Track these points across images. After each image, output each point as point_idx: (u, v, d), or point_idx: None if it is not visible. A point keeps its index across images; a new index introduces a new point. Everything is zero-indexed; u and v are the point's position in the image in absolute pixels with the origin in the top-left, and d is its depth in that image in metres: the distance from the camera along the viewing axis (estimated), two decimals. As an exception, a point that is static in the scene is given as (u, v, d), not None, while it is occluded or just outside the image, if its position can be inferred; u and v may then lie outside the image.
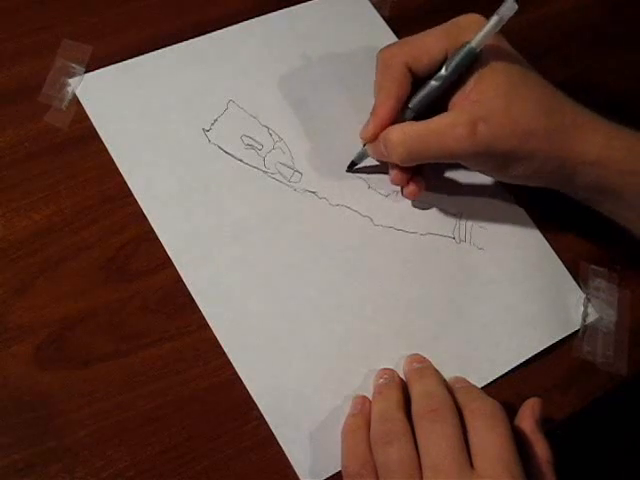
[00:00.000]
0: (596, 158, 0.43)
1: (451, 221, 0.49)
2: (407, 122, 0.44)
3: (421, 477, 0.37)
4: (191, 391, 0.41)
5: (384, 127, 0.45)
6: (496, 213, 0.50)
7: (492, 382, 0.45)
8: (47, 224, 0.43)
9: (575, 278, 0.49)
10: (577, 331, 0.47)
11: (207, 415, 0.41)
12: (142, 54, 0.49)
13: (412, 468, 0.37)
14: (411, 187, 0.47)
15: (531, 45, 0.57)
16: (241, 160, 0.47)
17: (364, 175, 0.49)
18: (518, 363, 0.45)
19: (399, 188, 0.49)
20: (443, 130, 0.43)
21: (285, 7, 0.53)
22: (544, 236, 0.50)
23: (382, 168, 0.49)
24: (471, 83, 0.43)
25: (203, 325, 0.42)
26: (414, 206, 0.48)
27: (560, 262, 0.49)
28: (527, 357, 0.46)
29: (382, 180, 0.49)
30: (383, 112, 0.44)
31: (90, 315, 0.42)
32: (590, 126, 0.44)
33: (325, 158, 0.48)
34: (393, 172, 0.47)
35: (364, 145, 0.47)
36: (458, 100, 0.44)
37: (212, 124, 0.48)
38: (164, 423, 0.40)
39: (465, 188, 0.50)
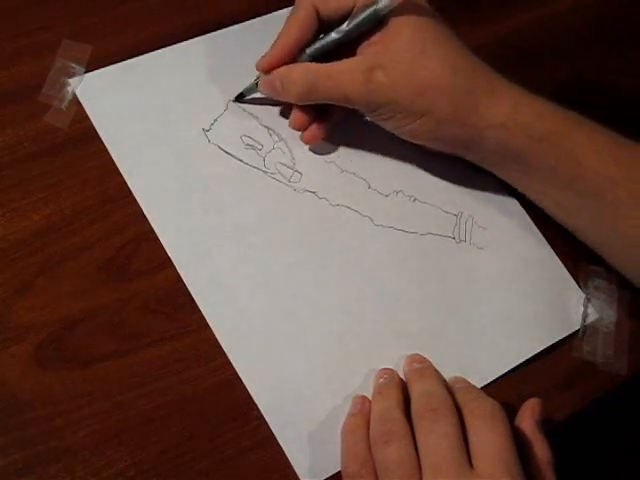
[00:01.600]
0: (502, 122, 0.43)
1: (451, 221, 0.49)
2: (308, 62, 0.45)
3: (420, 477, 0.37)
4: (191, 391, 0.41)
5: (279, 61, 0.45)
6: (496, 213, 0.50)
7: (492, 382, 0.45)
8: (47, 224, 0.43)
9: (575, 278, 0.49)
10: (577, 331, 0.47)
11: (207, 415, 0.41)
12: (142, 54, 0.49)
13: (411, 468, 0.37)
14: (310, 131, 0.47)
15: (531, 45, 0.57)
16: (241, 160, 0.47)
17: (364, 175, 0.48)
18: (518, 363, 0.45)
19: (399, 188, 0.49)
20: (342, 73, 0.44)
21: (285, 7, 0.53)
22: (544, 236, 0.50)
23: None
24: (380, 33, 0.44)
25: (203, 325, 0.42)
26: (414, 206, 0.48)
27: (560, 262, 0.49)
28: (527, 357, 0.46)
29: (382, 180, 0.49)
30: (280, 46, 0.45)
31: (90, 315, 0.42)
32: (500, 91, 0.44)
33: (325, 158, 0.48)
34: (295, 114, 0.47)
35: (256, 79, 0.47)
36: (364, 47, 0.44)
37: (212, 124, 0.48)
38: (164, 423, 0.40)
39: (465, 188, 0.50)
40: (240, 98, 0.49)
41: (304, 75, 0.44)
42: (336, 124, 0.48)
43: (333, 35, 0.45)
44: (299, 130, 0.48)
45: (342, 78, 0.44)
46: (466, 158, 0.47)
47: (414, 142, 0.47)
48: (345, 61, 0.44)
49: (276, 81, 0.45)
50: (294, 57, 0.45)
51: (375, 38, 0.44)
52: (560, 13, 0.60)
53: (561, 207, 0.46)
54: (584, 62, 0.58)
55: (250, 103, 0.49)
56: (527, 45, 0.57)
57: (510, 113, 0.43)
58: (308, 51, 0.45)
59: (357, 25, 0.44)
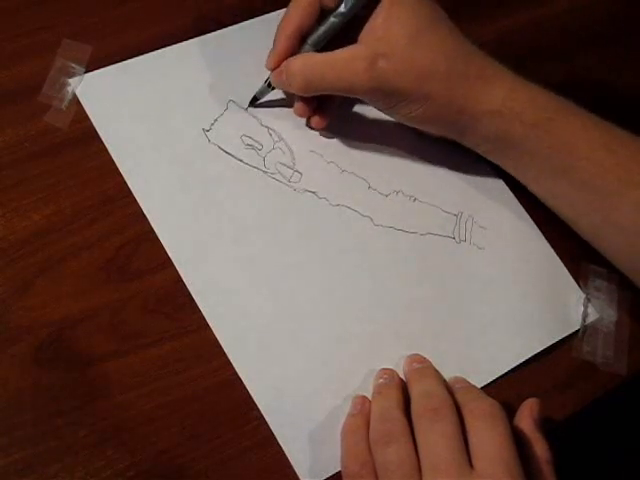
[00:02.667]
0: (498, 108, 0.44)
1: (451, 221, 0.49)
2: (309, 52, 0.45)
3: (420, 477, 0.37)
4: (191, 391, 0.41)
5: (284, 55, 0.45)
6: (496, 213, 0.50)
7: (492, 382, 0.45)
8: (47, 224, 0.43)
9: (575, 278, 0.49)
10: (577, 331, 0.47)
11: (207, 415, 0.41)
12: (142, 54, 0.49)
13: (411, 468, 0.37)
14: (316, 118, 0.48)
15: (531, 45, 0.57)
16: (241, 160, 0.47)
17: (364, 175, 0.48)
18: (518, 363, 0.45)
19: (399, 188, 0.49)
20: (343, 62, 0.44)
21: (284, 8, 0.53)
22: (544, 236, 0.50)
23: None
24: (379, 19, 0.43)
25: (203, 325, 0.42)
26: (414, 206, 0.48)
27: (560, 262, 0.49)
28: (527, 357, 0.46)
29: (382, 180, 0.49)
30: (283, 40, 0.45)
31: (90, 315, 0.42)
32: (494, 77, 0.44)
33: (325, 158, 0.48)
34: (297, 104, 0.47)
35: (265, 81, 0.47)
36: (364, 35, 0.44)
37: (212, 124, 0.48)
38: (164, 423, 0.40)
39: (465, 188, 0.50)
40: (254, 102, 0.48)
41: (303, 66, 0.44)
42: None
43: (332, 19, 0.44)
44: (302, 117, 0.48)
45: (344, 67, 0.43)
46: (463, 143, 0.48)
47: (415, 127, 0.47)
48: (346, 49, 0.44)
49: (282, 74, 0.45)
50: (299, 47, 0.45)
51: (374, 23, 0.43)
52: (558, 13, 0.60)
53: (555, 195, 0.46)
54: (582, 62, 0.58)
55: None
56: (525, 45, 0.57)
57: (505, 99, 0.44)
58: (309, 41, 0.45)
59: (352, 6, 0.43)
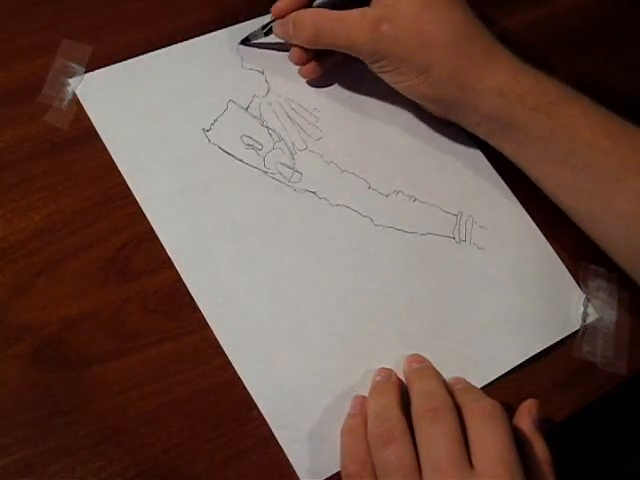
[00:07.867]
0: (499, 87, 0.44)
1: (451, 221, 0.49)
2: (319, 8, 0.47)
3: (420, 477, 0.37)
4: (191, 391, 0.41)
5: (293, 5, 0.47)
6: (496, 213, 0.50)
7: (492, 382, 0.45)
8: (47, 224, 0.43)
9: (575, 278, 0.49)
10: (577, 331, 0.47)
11: (207, 415, 0.41)
12: (142, 54, 0.49)
13: (411, 468, 0.37)
14: (309, 66, 0.49)
15: (532, 44, 0.57)
16: (241, 160, 0.47)
17: (364, 175, 0.48)
18: (518, 363, 0.45)
19: (399, 188, 0.49)
20: (352, 20, 0.45)
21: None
22: (544, 236, 0.50)
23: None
24: None
25: (203, 325, 0.42)
26: (414, 206, 0.48)
27: (560, 262, 0.49)
28: (527, 357, 0.46)
29: (382, 180, 0.49)
30: None
31: (90, 315, 0.42)
32: (498, 59, 0.45)
33: (325, 158, 0.48)
34: (294, 51, 0.49)
35: (263, 28, 0.49)
36: (375, 1, 0.45)
37: (212, 124, 0.48)
38: (164, 423, 0.40)
39: (465, 188, 0.50)
40: (245, 42, 0.50)
41: (315, 18, 0.46)
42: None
43: None
44: (297, 64, 0.49)
45: (352, 25, 0.45)
46: (461, 124, 0.48)
47: (413, 99, 0.48)
48: (355, 10, 0.45)
49: (289, 24, 0.47)
50: (308, 3, 0.47)
51: None
52: (558, 13, 0.60)
53: (554, 182, 0.46)
54: (582, 62, 0.58)
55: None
56: (528, 44, 0.57)
57: (507, 80, 0.44)
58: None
59: None
